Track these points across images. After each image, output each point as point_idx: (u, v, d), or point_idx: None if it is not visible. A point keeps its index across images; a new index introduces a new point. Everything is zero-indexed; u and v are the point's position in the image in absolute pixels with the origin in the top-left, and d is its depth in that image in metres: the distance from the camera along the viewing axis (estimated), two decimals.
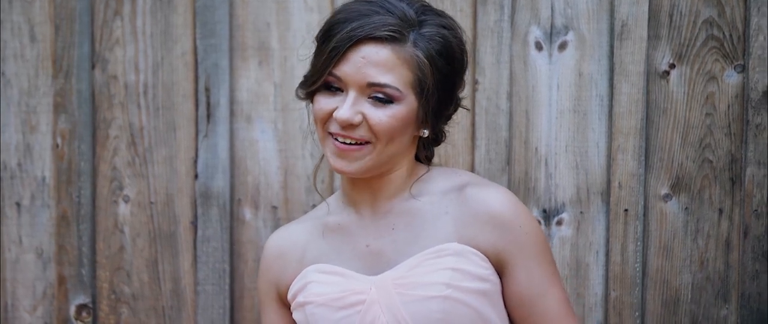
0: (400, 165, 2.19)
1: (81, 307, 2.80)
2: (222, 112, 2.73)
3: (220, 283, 2.76)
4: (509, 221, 2.16)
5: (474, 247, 2.15)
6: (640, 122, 2.64)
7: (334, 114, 2.11)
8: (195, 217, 2.76)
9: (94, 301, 2.80)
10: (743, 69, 2.63)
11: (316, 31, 2.66)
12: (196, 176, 2.76)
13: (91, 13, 2.75)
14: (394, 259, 2.18)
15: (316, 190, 2.39)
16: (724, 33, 2.63)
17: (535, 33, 2.67)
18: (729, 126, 2.64)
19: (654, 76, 2.65)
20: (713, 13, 2.63)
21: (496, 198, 2.17)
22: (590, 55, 2.65)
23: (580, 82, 2.66)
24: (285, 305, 2.28)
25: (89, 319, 2.80)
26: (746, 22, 2.62)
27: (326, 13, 2.69)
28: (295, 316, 2.22)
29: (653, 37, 2.64)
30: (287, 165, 2.74)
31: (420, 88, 2.12)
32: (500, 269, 2.18)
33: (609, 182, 2.67)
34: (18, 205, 2.79)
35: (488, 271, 2.16)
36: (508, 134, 2.68)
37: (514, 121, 2.67)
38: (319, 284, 2.18)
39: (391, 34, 2.09)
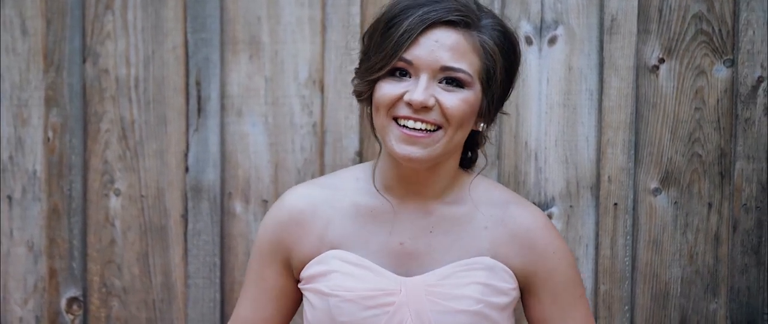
0: (452, 159, 2.17)
1: (72, 300, 2.81)
2: (213, 105, 2.74)
3: (210, 276, 2.76)
4: (544, 249, 2.19)
5: (506, 265, 2.17)
6: (630, 116, 2.65)
7: (405, 97, 2.08)
8: (186, 210, 2.76)
9: (84, 295, 2.81)
10: (732, 64, 2.63)
11: (306, 25, 2.70)
12: (186, 170, 2.76)
13: (82, 7, 2.76)
14: (426, 264, 2.17)
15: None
16: (713, 28, 2.63)
17: (525, 27, 2.67)
18: (718, 120, 2.65)
19: (643, 71, 2.65)
20: (702, 7, 2.63)
21: (535, 222, 2.20)
22: (580, 50, 2.66)
23: (569, 77, 2.67)
24: (290, 271, 2.23)
25: (80, 313, 2.81)
26: (735, 16, 2.62)
27: (317, 7, 2.69)
28: (310, 297, 2.18)
29: (643, 31, 2.65)
30: (278, 159, 2.74)
31: (486, 77, 2.10)
32: (526, 288, 2.21)
33: (598, 176, 2.67)
34: (9, 198, 2.80)
35: (511, 286, 2.18)
36: (498, 128, 2.68)
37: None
38: (345, 276, 2.15)
39: (462, 18, 2.09)
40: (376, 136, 2.19)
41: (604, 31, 2.65)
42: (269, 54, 2.73)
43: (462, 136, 2.13)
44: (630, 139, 2.65)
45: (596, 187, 2.68)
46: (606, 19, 2.64)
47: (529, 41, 2.67)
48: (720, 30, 2.63)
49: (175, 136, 2.76)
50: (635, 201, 2.67)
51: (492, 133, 2.67)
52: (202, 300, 2.77)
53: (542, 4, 2.66)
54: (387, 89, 2.10)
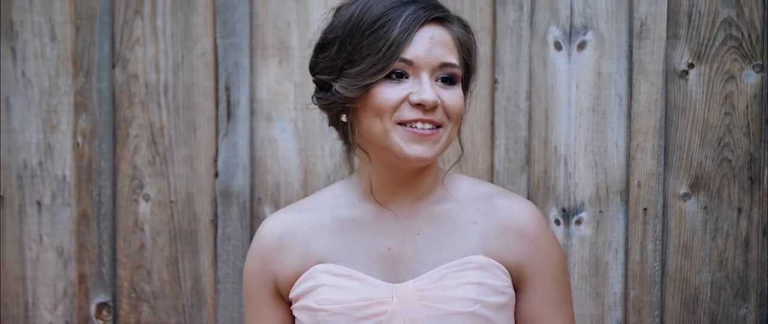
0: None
1: (101, 306, 2.81)
2: (242, 111, 2.74)
3: (240, 281, 2.76)
4: (535, 240, 2.16)
5: (498, 261, 2.14)
6: (659, 121, 2.65)
7: (413, 98, 2.04)
8: (215, 215, 2.77)
9: (114, 300, 2.81)
10: (762, 69, 2.63)
11: None
12: (216, 175, 2.76)
13: (111, 12, 2.76)
14: (416, 268, 2.13)
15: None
16: (742, 33, 2.64)
17: (554, 32, 2.67)
18: (748, 125, 2.65)
19: (673, 76, 2.65)
20: (732, 13, 2.63)
21: (525, 213, 2.17)
22: (609, 55, 2.66)
23: (599, 82, 2.67)
24: (282, 299, 2.20)
25: (110, 318, 2.81)
26: (765, 22, 2.62)
27: None
28: (299, 315, 2.15)
29: (672, 36, 2.65)
30: (307, 164, 2.74)
31: (465, 69, 2.12)
32: (517, 284, 2.18)
33: (628, 181, 2.67)
34: (39, 203, 2.80)
35: (506, 284, 2.15)
36: (527, 133, 2.68)
37: (534, 120, 2.68)
38: (333, 289, 2.11)
39: (444, 14, 2.10)
40: (358, 144, 2.15)
41: (633, 36, 2.65)
42: (298, 59, 2.73)
43: (456, 131, 2.13)
44: (659, 144, 2.65)
45: (626, 192, 2.68)
46: (635, 24, 2.64)
47: (558, 46, 2.67)
48: (749, 35, 2.63)
49: (205, 142, 2.76)
50: (665, 206, 2.67)
51: (521, 137, 2.68)
52: (232, 305, 2.77)
53: (572, 10, 2.66)
54: (389, 93, 2.06)
